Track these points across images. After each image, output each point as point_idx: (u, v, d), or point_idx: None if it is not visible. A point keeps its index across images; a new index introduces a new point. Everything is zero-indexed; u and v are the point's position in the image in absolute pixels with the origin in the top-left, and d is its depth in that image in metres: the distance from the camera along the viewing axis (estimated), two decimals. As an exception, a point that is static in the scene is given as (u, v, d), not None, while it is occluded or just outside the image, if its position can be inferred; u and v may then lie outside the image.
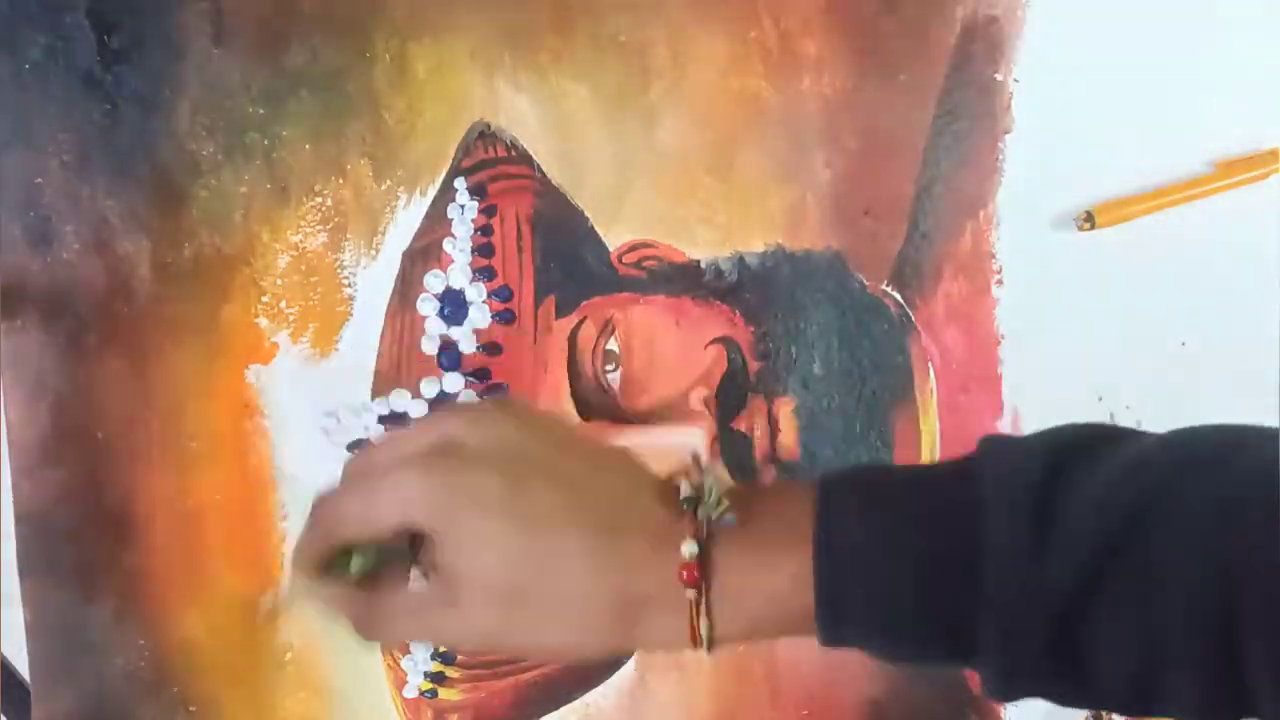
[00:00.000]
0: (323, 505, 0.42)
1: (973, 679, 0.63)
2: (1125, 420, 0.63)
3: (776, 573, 0.39)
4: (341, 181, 0.56)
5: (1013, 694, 0.39)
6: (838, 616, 0.39)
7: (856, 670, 0.62)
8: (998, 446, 0.40)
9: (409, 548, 0.42)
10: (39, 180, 0.54)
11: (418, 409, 0.57)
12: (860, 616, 0.39)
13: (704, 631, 0.39)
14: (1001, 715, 0.63)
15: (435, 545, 0.40)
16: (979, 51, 0.61)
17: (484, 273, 0.58)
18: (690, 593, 0.39)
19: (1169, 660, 0.36)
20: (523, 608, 0.39)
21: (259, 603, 0.56)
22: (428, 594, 0.41)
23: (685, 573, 0.39)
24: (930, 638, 0.39)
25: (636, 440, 0.58)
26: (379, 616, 0.42)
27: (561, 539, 0.39)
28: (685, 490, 0.40)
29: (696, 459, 0.42)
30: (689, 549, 0.39)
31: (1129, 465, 0.38)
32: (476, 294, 0.58)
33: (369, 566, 0.42)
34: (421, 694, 0.58)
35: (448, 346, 0.57)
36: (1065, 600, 0.37)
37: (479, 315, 0.58)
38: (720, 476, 0.41)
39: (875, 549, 0.39)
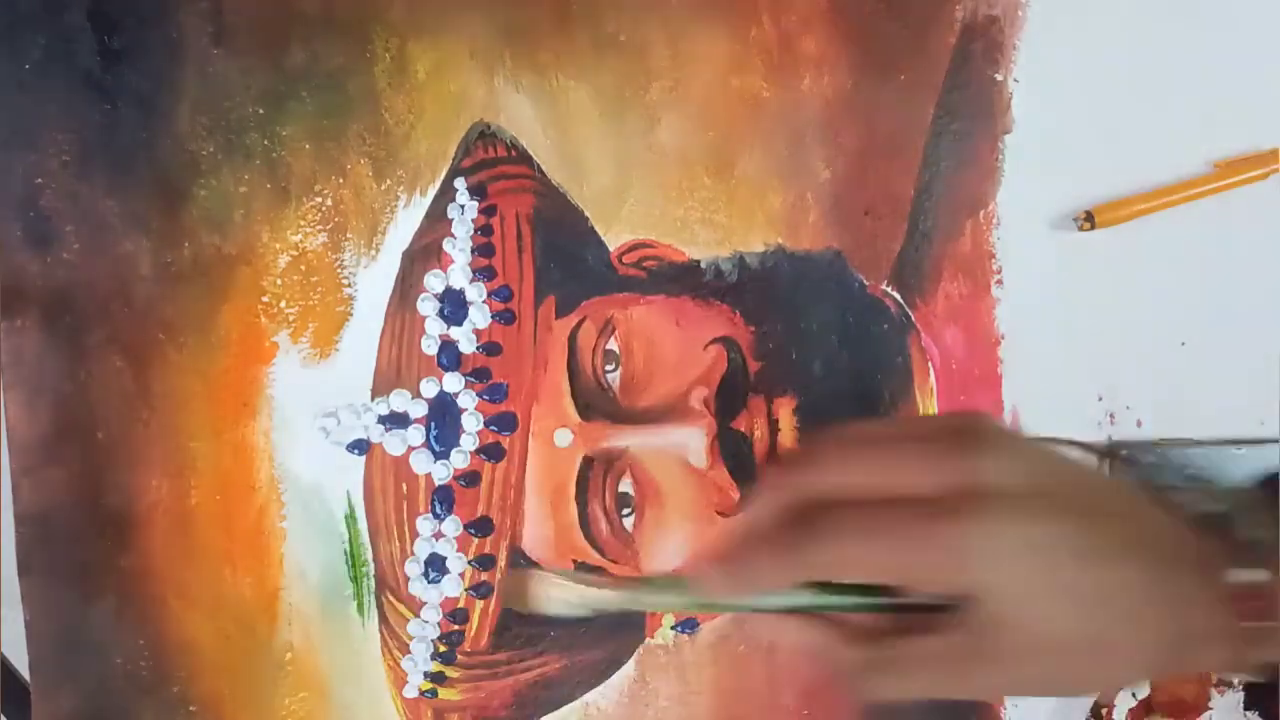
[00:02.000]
0: (817, 536, 0.36)
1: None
2: (1125, 420, 0.63)
3: None
4: (341, 181, 0.56)
5: None
6: None
7: (856, 670, 0.62)
8: None
9: (926, 606, 0.37)
10: (39, 180, 0.54)
11: (418, 409, 0.57)
12: None
13: (1257, 657, 0.38)
14: (1002, 716, 0.63)
15: (979, 601, 0.36)
16: (979, 51, 0.62)
17: (484, 273, 0.58)
18: (1246, 624, 0.37)
19: None
20: (1071, 657, 0.37)
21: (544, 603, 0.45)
22: (955, 644, 0.37)
23: (1247, 603, 0.37)
24: None
25: (636, 440, 0.59)
26: (899, 668, 0.38)
27: (1121, 580, 0.36)
28: (1207, 505, 0.39)
29: (1166, 461, 0.40)
30: (1254, 576, 0.37)
31: None
32: (476, 294, 0.58)
33: (863, 606, 0.38)
34: (421, 694, 0.58)
35: (448, 346, 0.57)
36: None
37: (479, 315, 0.58)
38: (1229, 483, 0.40)
39: None
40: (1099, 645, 0.37)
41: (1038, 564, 0.36)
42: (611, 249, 0.59)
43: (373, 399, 0.57)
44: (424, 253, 0.57)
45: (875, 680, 0.39)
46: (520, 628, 0.59)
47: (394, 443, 0.57)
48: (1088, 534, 0.36)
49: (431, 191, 0.57)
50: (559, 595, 0.42)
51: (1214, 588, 0.37)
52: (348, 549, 0.57)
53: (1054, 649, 0.36)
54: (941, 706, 0.62)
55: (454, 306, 0.57)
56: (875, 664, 0.39)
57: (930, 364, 0.62)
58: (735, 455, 0.59)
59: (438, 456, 0.57)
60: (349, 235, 0.57)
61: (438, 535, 0.57)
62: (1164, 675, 0.41)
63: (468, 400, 0.57)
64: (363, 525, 0.57)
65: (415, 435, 0.57)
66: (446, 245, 0.57)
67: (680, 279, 0.60)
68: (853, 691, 0.41)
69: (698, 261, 0.60)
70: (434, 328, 0.57)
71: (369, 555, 0.57)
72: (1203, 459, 0.62)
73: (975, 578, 0.36)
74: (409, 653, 0.58)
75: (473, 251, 0.58)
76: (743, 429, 0.60)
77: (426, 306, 0.57)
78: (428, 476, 0.57)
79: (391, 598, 0.58)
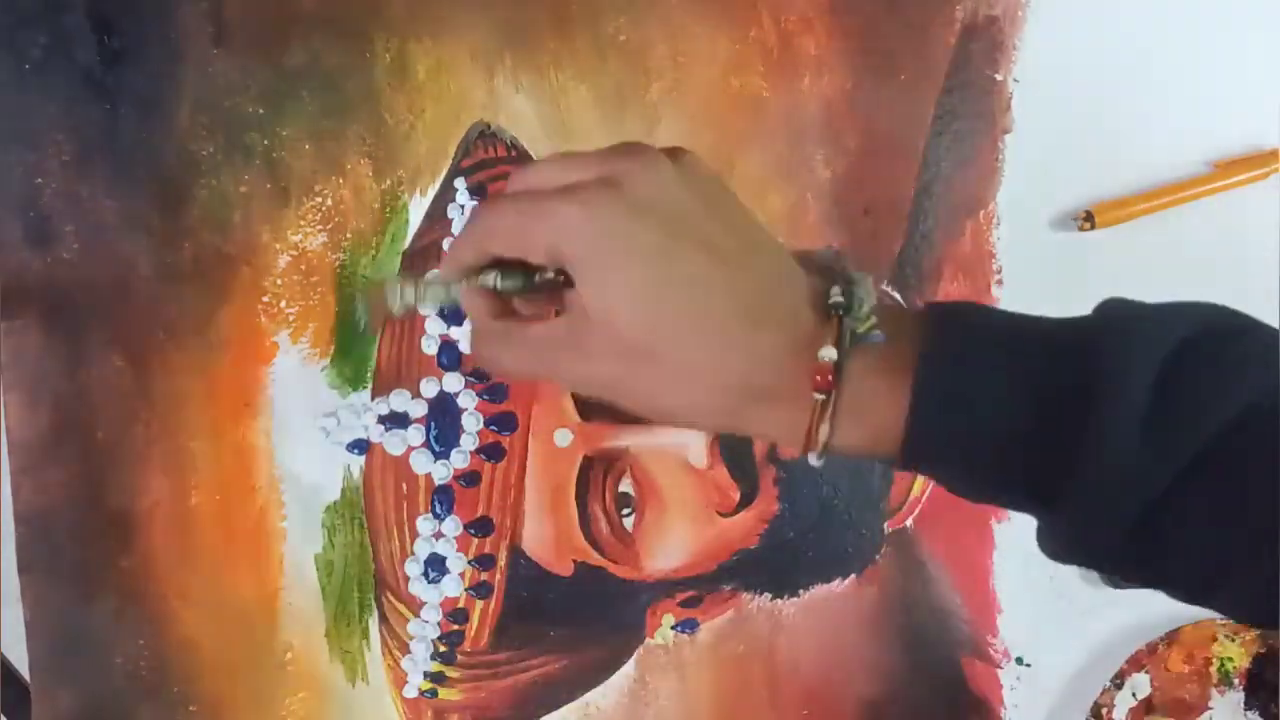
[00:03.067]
0: (482, 215, 0.42)
1: (972, 678, 0.63)
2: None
3: (892, 399, 0.39)
4: (341, 181, 0.56)
5: (1069, 558, 0.41)
6: (923, 444, 0.39)
7: (856, 671, 0.62)
8: (1123, 313, 0.40)
9: (553, 279, 0.41)
10: (39, 180, 0.54)
11: (418, 409, 0.57)
12: (946, 449, 0.39)
13: (822, 437, 0.39)
14: (1001, 715, 0.63)
15: (576, 285, 0.39)
16: (979, 51, 0.62)
17: (484, 273, 0.58)
18: (819, 397, 0.39)
19: (1236, 567, 0.37)
20: (648, 366, 0.39)
21: (357, 309, 0.55)
22: (556, 330, 0.41)
23: (819, 376, 0.39)
24: (1012, 483, 0.39)
25: (636, 440, 0.59)
26: (502, 340, 0.43)
27: (705, 311, 0.39)
28: (835, 296, 0.40)
29: (843, 264, 0.41)
30: (828, 354, 0.38)
31: (1245, 363, 0.39)
32: (476, 294, 0.57)
33: (513, 288, 0.42)
34: (421, 694, 0.58)
35: (448, 346, 0.57)
36: (1161, 487, 0.37)
37: (479, 315, 0.57)
38: (869, 289, 0.40)
39: (988, 386, 0.39)
40: (662, 361, 0.39)
41: (622, 262, 0.39)
42: (611, 249, 0.59)
43: (373, 399, 0.57)
44: (424, 253, 0.57)
45: (489, 351, 0.43)
46: (520, 627, 0.59)
47: (394, 443, 0.57)
48: (680, 254, 0.39)
49: (431, 191, 0.57)
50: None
51: (800, 357, 0.39)
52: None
53: (625, 354, 0.39)
54: (941, 706, 0.62)
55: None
56: (493, 337, 0.43)
57: (930, 364, 0.62)
58: (735, 455, 0.59)
59: (438, 456, 0.57)
60: (349, 235, 0.57)
61: (438, 535, 0.57)
62: (737, 426, 0.41)
63: (468, 400, 0.57)
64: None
65: (415, 435, 0.57)
66: (446, 245, 0.57)
67: (680, 279, 0.60)
68: (473, 357, 0.45)
69: (698, 261, 0.60)
70: (434, 328, 0.57)
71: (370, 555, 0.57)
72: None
73: (567, 251, 0.39)
74: (409, 653, 0.58)
75: (473, 251, 0.58)
76: (743, 429, 0.60)
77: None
78: (428, 476, 0.57)
79: (391, 598, 0.58)
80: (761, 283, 0.40)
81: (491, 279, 0.42)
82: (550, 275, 0.41)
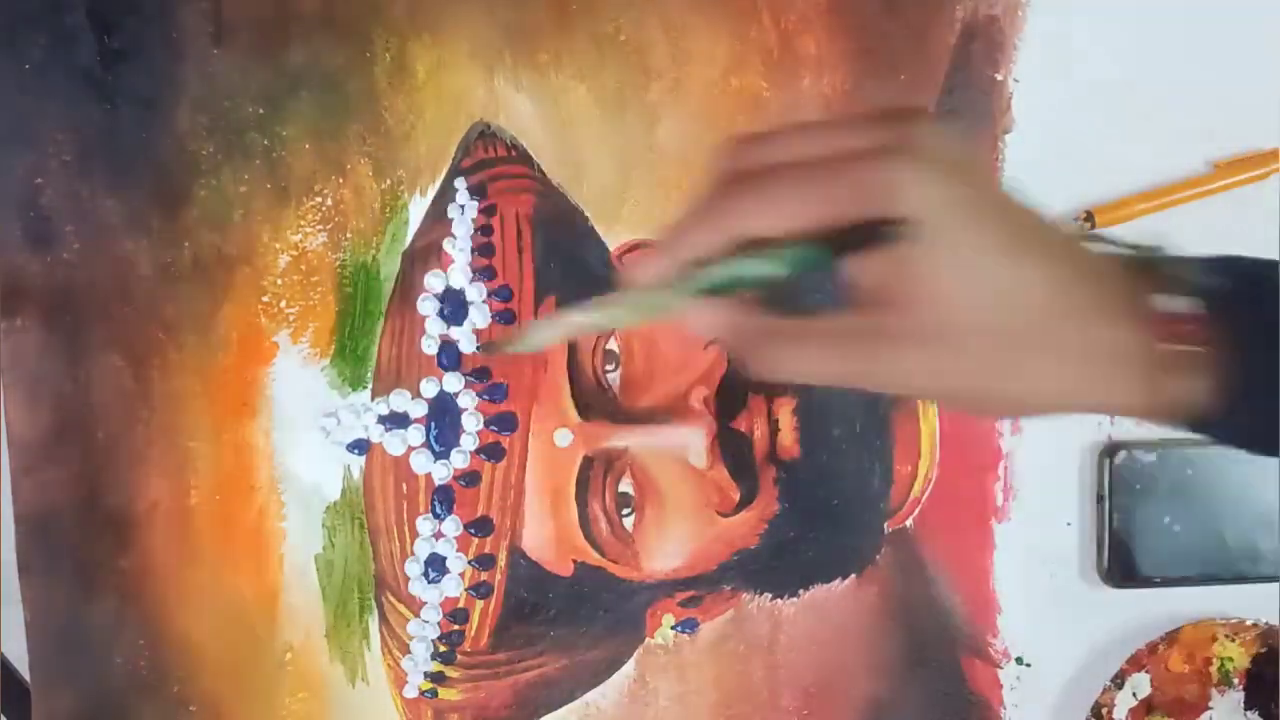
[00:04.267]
0: (740, 192, 0.34)
1: (972, 678, 0.63)
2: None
3: None
4: (341, 181, 0.56)
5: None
6: None
7: (856, 671, 0.62)
8: None
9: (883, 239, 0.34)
10: (39, 180, 0.54)
11: (418, 409, 0.57)
12: None
13: (1171, 391, 0.35)
14: (1001, 715, 0.63)
15: (920, 253, 0.33)
16: (979, 51, 0.61)
17: (484, 273, 0.58)
18: (1167, 346, 0.35)
19: None
20: (985, 350, 0.34)
21: (511, 334, 0.48)
22: (853, 324, 0.35)
23: (1165, 329, 0.35)
24: None
25: (636, 440, 0.59)
26: (784, 339, 0.36)
27: (1059, 275, 0.34)
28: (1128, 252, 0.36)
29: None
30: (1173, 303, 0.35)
31: None
32: (476, 294, 0.58)
33: (766, 279, 0.34)
34: (421, 694, 0.58)
35: (448, 346, 0.57)
36: None
37: (479, 315, 0.58)
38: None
39: None
40: (1007, 343, 0.34)
41: (974, 223, 0.33)
42: (611, 249, 0.59)
43: (373, 399, 0.57)
44: (424, 253, 0.57)
45: (776, 351, 0.36)
46: (520, 627, 0.59)
47: (394, 443, 0.57)
48: (1011, 227, 0.34)
49: (431, 191, 0.57)
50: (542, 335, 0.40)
51: (1132, 305, 0.35)
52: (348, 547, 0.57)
53: (960, 335, 0.34)
54: (941, 706, 0.62)
55: (454, 306, 0.57)
56: (778, 332, 0.36)
57: (930, 364, 0.62)
58: (735, 455, 0.59)
59: (438, 456, 0.57)
60: (349, 235, 0.57)
61: (438, 535, 0.57)
62: (1076, 403, 0.36)
63: (468, 400, 0.57)
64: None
65: (415, 435, 0.57)
66: (446, 245, 0.57)
67: (680, 279, 0.60)
68: (751, 365, 0.36)
69: (698, 261, 0.60)
70: (434, 328, 0.57)
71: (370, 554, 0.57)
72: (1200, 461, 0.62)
73: (914, 210, 0.33)
74: (409, 653, 0.58)
75: (473, 251, 0.58)
76: (743, 429, 0.60)
77: (426, 306, 0.57)
78: (428, 476, 0.57)
79: (391, 598, 0.58)
80: (1069, 243, 0.36)
81: (733, 276, 0.34)
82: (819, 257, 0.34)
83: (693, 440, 0.59)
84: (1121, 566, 0.63)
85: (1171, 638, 0.62)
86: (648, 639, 0.60)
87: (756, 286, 0.35)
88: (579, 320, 0.38)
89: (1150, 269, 0.36)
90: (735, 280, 0.35)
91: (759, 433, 0.60)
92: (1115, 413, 0.38)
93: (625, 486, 0.59)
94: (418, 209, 0.57)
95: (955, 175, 0.34)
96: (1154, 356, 0.35)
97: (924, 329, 0.34)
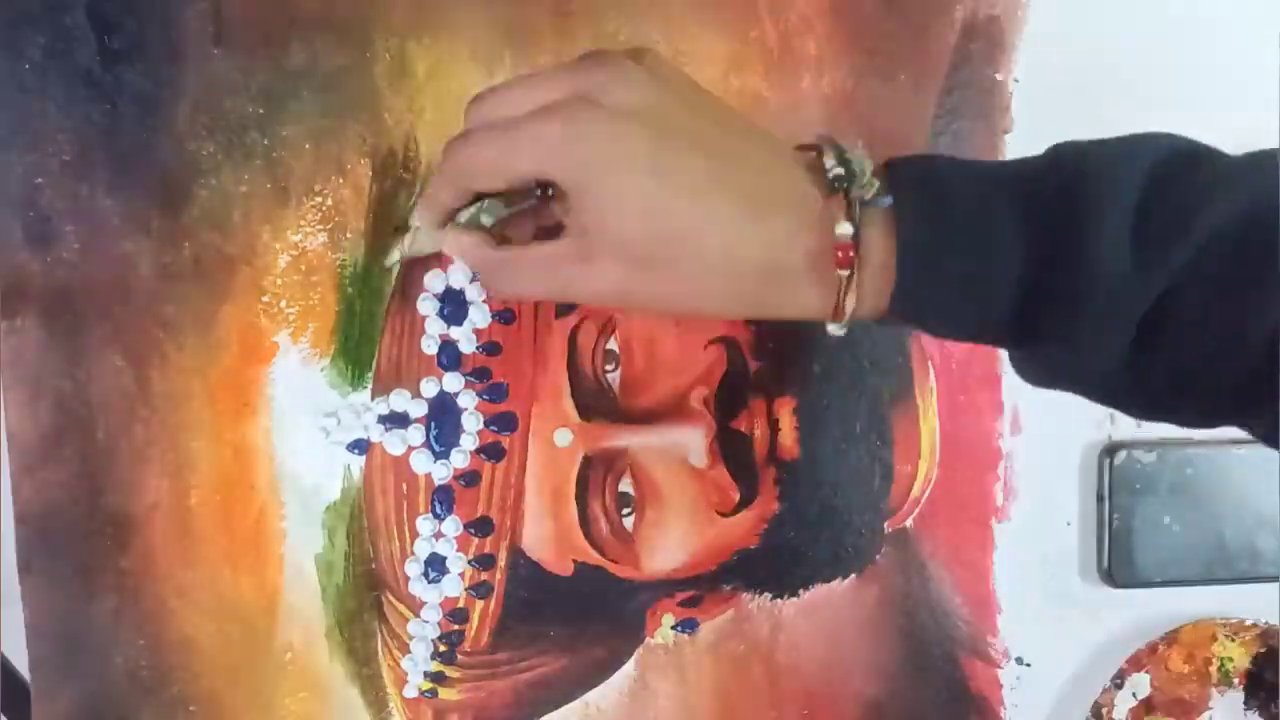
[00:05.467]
0: (455, 153, 0.42)
1: (972, 678, 0.63)
2: (1125, 420, 0.63)
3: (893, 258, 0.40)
4: (341, 181, 0.56)
5: (1057, 383, 0.42)
6: (913, 295, 0.40)
7: (856, 671, 0.62)
8: (1084, 149, 0.40)
9: (537, 199, 0.42)
10: (39, 180, 0.54)
11: (418, 409, 0.57)
12: (935, 296, 0.40)
13: (849, 308, 0.40)
14: (1001, 715, 0.63)
15: (571, 201, 0.39)
16: (979, 51, 0.62)
17: (484, 273, 0.58)
18: (843, 272, 0.39)
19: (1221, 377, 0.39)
20: (661, 270, 0.40)
21: (383, 258, 0.55)
22: (561, 249, 0.42)
23: (840, 253, 0.39)
24: (1001, 321, 0.40)
25: (636, 440, 0.59)
26: (510, 268, 0.43)
27: (707, 205, 0.39)
28: (833, 168, 0.40)
29: (830, 138, 0.41)
30: (844, 230, 0.39)
31: (1225, 174, 0.40)
32: (476, 293, 0.57)
33: (499, 218, 0.43)
34: (421, 694, 0.58)
35: (448, 346, 0.57)
36: (1153, 295, 0.38)
37: (479, 315, 0.58)
38: (863, 155, 0.41)
39: (969, 229, 0.40)
40: (674, 262, 0.39)
41: (616, 171, 0.39)
42: (611, 249, 0.59)
43: (373, 399, 0.57)
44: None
45: (498, 277, 0.44)
46: (520, 627, 0.59)
47: (394, 443, 0.57)
48: (672, 154, 0.39)
49: (431, 191, 0.57)
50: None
51: (815, 235, 0.39)
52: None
53: (634, 260, 0.40)
54: (941, 706, 0.62)
55: (454, 306, 0.57)
56: (499, 262, 0.44)
57: (930, 364, 0.62)
58: (735, 455, 0.59)
59: (438, 456, 0.57)
60: (349, 235, 0.57)
61: (438, 535, 0.57)
62: (758, 313, 0.42)
63: (468, 400, 0.57)
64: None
65: (415, 435, 0.57)
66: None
67: (680, 279, 0.60)
68: (489, 288, 0.48)
69: (698, 261, 0.60)
70: (434, 327, 0.57)
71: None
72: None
73: (557, 174, 0.39)
74: (409, 652, 0.58)
75: (473, 251, 0.58)
76: (743, 429, 0.60)
77: (426, 306, 0.57)
78: (428, 476, 0.57)
79: (391, 598, 0.58)
80: (760, 170, 0.40)
81: (476, 214, 0.43)
82: (536, 198, 0.41)
83: (693, 440, 0.59)
84: (1121, 566, 0.63)
85: (1171, 638, 0.62)
86: (648, 639, 0.60)
87: (489, 226, 0.44)
88: (402, 247, 0.49)
89: (844, 189, 0.40)
90: (473, 220, 0.45)
91: (759, 433, 0.60)
92: (799, 319, 0.43)
93: (625, 486, 0.59)
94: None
95: (605, 130, 0.39)
96: (831, 276, 0.40)
97: (603, 251, 0.40)
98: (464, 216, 0.44)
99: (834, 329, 0.41)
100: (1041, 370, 0.42)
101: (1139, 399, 0.42)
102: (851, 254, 0.39)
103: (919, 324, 0.43)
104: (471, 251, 0.44)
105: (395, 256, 0.51)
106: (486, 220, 0.43)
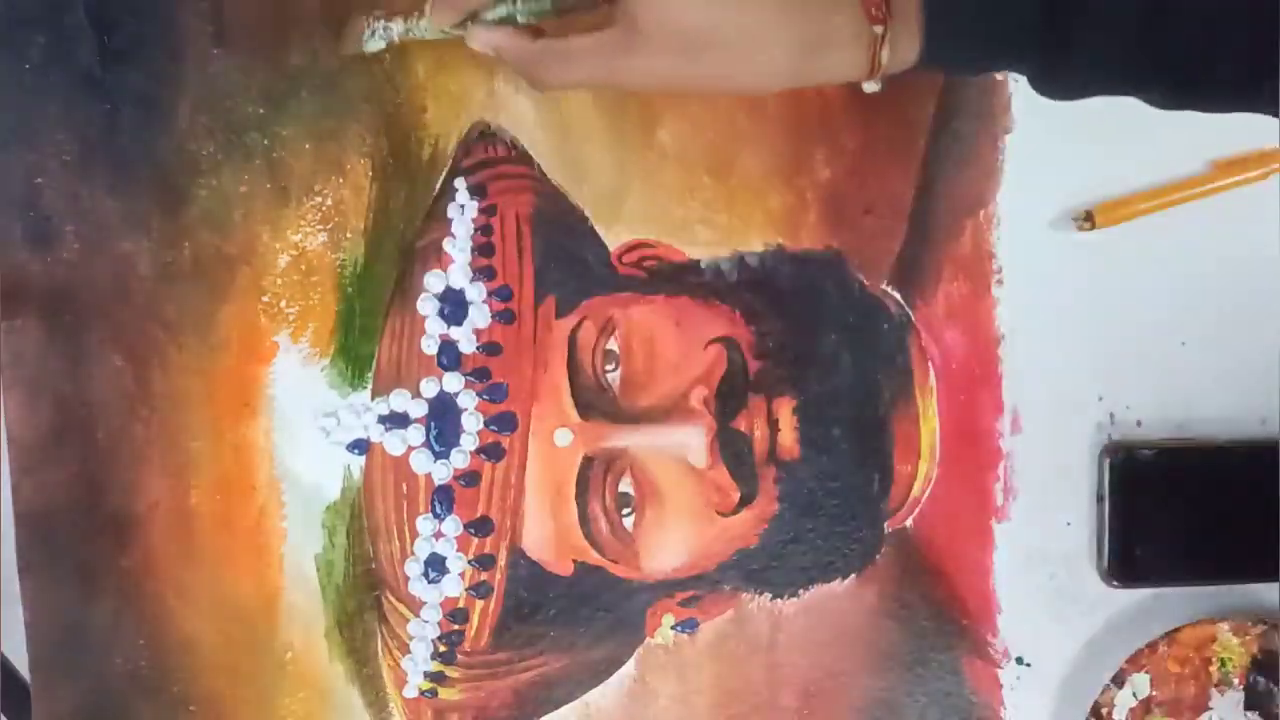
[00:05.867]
0: None
1: (972, 678, 0.63)
2: (1125, 420, 0.63)
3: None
4: (341, 181, 0.57)
5: (1076, 86, 0.47)
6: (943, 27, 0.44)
7: (856, 670, 0.62)
8: None
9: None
10: (39, 180, 0.54)
11: (418, 409, 0.57)
12: (964, 28, 0.45)
13: (884, 57, 0.44)
14: (1001, 715, 0.63)
15: None
16: (979, 51, 0.61)
17: (484, 272, 0.58)
18: (878, 28, 0.43)
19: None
20: (709, 50, 0.42)
21: (357, 43, 0.53)
22: (612, 37, 0.43)
23: (874, 10, 0.43)
24: (1026, 26, 0.44)
25: (636, 440, 0.59)
26: (557, 58, 0.44)
27: None
28: None
29: None
30: None
31: None
32: (476, 294, 0.58)
33: (538, 11, 0.44)
34: (421, 694, 0.58)
35: (448, 346, 0.57)
36: None
37: (479, 315, 0.58)
38: None
39: None
40: (722, 41, 0.42)
41: None
42: (611, 249, 0.59)
43: (373, 399, 0.57)
44: (424, 253, 0.57)
45: (545, 68, 0.45)
46: (520, 627, 0.59)
47: (394, 443, 0.57)
48: None
49: (431, 192, 0.57)
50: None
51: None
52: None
53: (683, 43, 0.42)
54: (941, 706, 0.62)
55: (454, 306, 0.57)
56: (546, 52, 0.45)
57: (930, 364, 0.62)
58: (735, 455, 0.59)
59: (438, 456, 0.57)
60: (349, 235, 0.57)
61: (438, 535, 0.57)
62: (803, 80, 0.45)
63: (468, 400, 0.57)
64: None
65: (415, 435, 0.57)
66: (446, 245, 0.57)
67: (680, 279, 0.60)
68: (531, 79, 0.47)
69: (698, 261, 0.60)
70: (434, 328, 0.57)
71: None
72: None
73: None
74: (409, 653, 0.58)
75: (473, 251, 0.58)
76: (742, 429, 0.60)
77: (426, 306, 0.57)
78: (428, 476, 0.57)
79: (391, 598, 0.58)
80: None
81: (512, 13, 0.44)
82: None
83: (693, 440, 0.59)
84: (1121, 566, 0.63)
85: (1171, 638, 0.62)
86: (648, 639, 0.60)
87: (526, 18, 0.45)
88: (396, 28, 0.50)
89: None
90: (508, 16, 0.46)
91: (759, 433, 0.60)
92: (838, 82, 0.47)
93: (625, 486, 0.59)
94: (418, 209, 0.57)
95: None
96: (868, 34, 0.44)
97: (652, 40, 0.42)
98: (493, 14, 0.45)
99: (869, 87, 0.45)
100: (1070, 79, 0.46)
101: (1163, 80, 0.46)
102: (884, 10, 0.43)
103: (950, 60, 0.46)
104: (510, 44, 0.45)
105: (378, 41, 0.51)
106: (521, 19, 0.45)
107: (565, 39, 0.45)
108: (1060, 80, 0.47)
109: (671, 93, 0.45)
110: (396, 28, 0.50)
